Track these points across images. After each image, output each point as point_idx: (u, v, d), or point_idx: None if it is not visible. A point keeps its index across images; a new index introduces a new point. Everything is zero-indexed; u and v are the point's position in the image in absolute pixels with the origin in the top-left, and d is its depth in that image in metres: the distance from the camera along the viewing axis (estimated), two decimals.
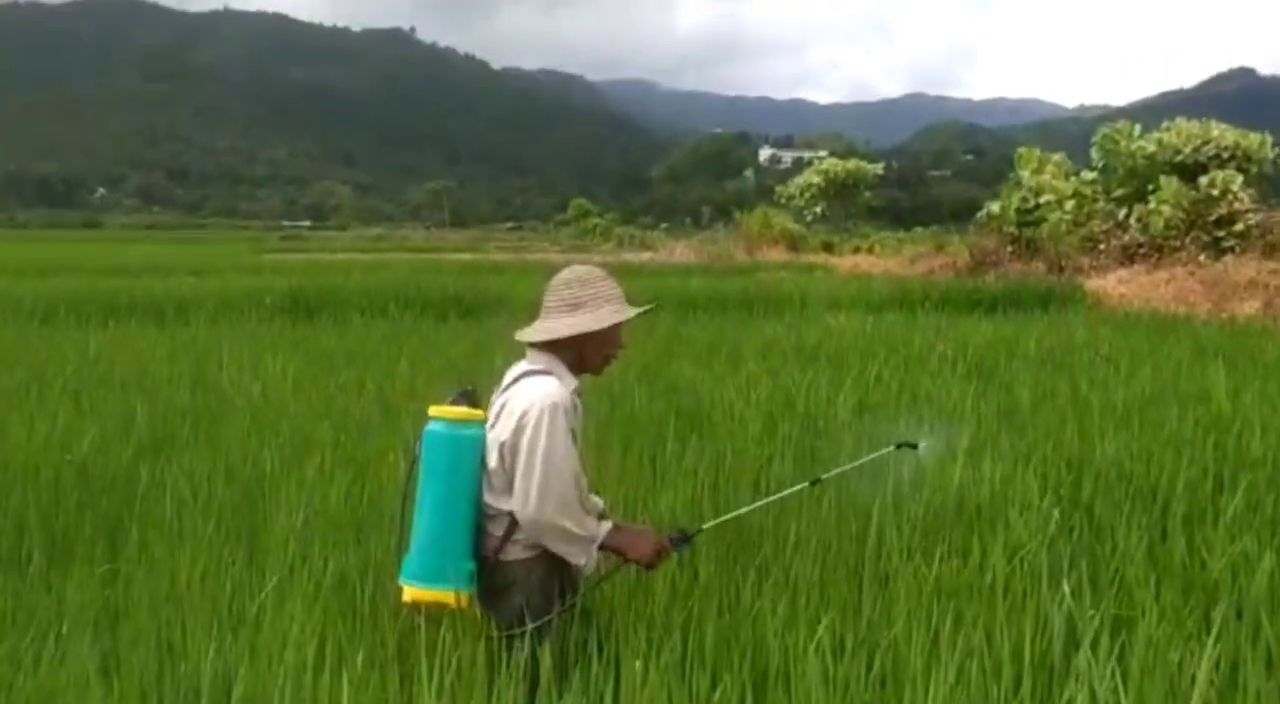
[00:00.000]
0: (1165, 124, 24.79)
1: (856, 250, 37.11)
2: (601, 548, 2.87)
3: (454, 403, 2.83)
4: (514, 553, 2.82)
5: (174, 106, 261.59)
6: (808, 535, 4.15)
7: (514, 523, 2.79)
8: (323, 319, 13.78)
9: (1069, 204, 23.77)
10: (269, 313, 14.26)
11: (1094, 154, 25.31)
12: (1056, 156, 26.08)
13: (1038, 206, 24.21)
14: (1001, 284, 18.09)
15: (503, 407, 2.83)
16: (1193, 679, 2.81)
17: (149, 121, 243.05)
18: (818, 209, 51.60)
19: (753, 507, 3.58)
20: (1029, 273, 21.29)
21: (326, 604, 3.44)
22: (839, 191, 52.17)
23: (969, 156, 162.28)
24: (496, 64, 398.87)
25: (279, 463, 5.34)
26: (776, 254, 36.09)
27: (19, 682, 3.05)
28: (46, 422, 6.21)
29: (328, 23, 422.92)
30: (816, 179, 52.38)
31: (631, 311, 2.91)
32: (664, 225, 79.90)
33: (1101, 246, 22.56)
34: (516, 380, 2.87)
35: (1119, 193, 24.15)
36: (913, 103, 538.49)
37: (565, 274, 2.92)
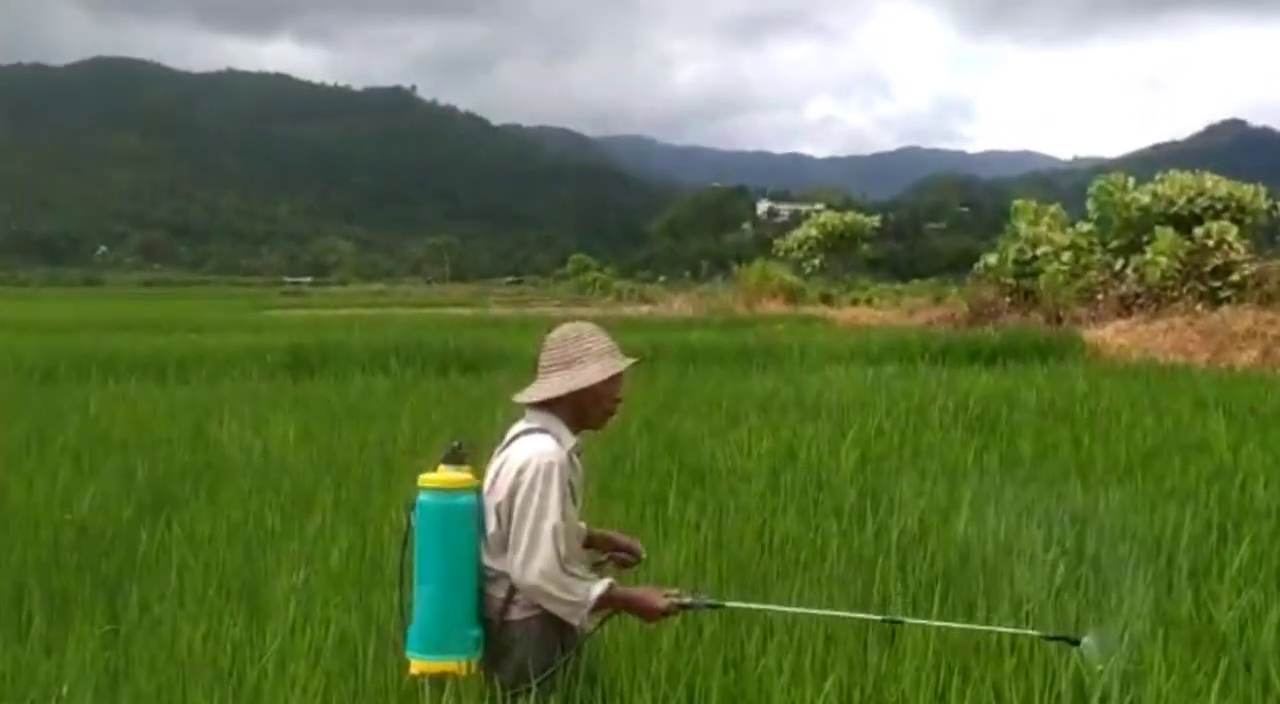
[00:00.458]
0: (1159, 175, 25.05)
1: (855, 302, 37.30)
2: (611, 604, 2.84)
3: (445, 461, 2.81)
4: (516, 613, 2.81)
5: (176, 165, 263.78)
6: (812, 591, 4.13)
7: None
8: (324, 375, 13.77)
9: (1066, 255, 23.93)
10: (270, 370, 14.26)
11: (1089, 205, 25.53)
12: (1052, 208, 26.32)
13: (1035, 258, 24.39)
14: (1000, 335, 18.10)
15: (500, 467, 2.84)
16: None
17: (151, 180, 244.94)
18: (816, 261, 51.94)
19: (800, 611, 3.52)
20: (1027, 323, 21.37)
21: (329, 665, 3.41)
22: (836, 244, 52.55)
23: (965, 208, 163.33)
24: (496, 121, 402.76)
25: (280, 521, 5.32)
26: (775, 306, 36.26)
27: None
28: (46, 480, 6.19)
29: (329, 82, 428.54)
30: (814, 232, 52.81)
31: (624, 363, 2.92)
32: (663, 279, 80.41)
33: (1099, 297, 22.67)
34: (514, 439, 2.88)
35: (1115, 244, 24.33)
36: (908, 156, 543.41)
37: (557, 333, 2.95)
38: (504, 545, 2.78)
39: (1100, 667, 3.06)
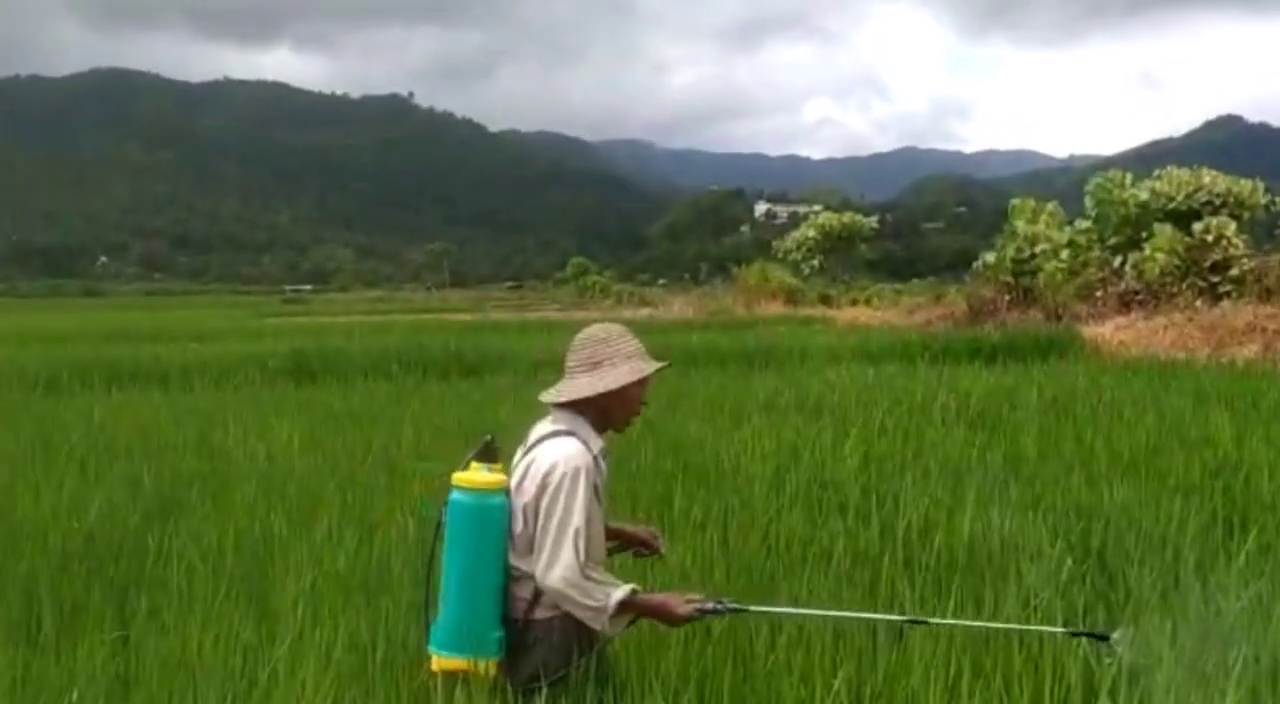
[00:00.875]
0: (1157, 172, 25.06)
1: (854, 303, 37.30)
2: (633, 608, 2.82)
3: (476, 457, 2.81)
4: (539, 613, 2.82)
5: (176, 174, 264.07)
6: (820, 589, 4.14)
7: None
8: (326, 381, 13.79)
9: (1064, 253, 23.93)
10: (272, 376, 14.28)
11: (1087, 203, 25.54)
12: (1050, 206, 26.31)
13: (1033, 256, 24.38)
14: (1000, 333, 18.10)
15: (527, 468, 2.83)
16: None
17: (151, 190, 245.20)
18: (815, 263, 51.98)
19: (824, 613, 3.48)
20: (1027, 322, 21.35)
21: (339, 668, 3.42)
22: (835, 245, 52.61)
23: (962, 208, 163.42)
24: (494, 127, 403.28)
25: (287, 525, 5.33)
26: (775, 308, 36.28)
27: None
28: (53, 489, 6.21)
29: (327, 90, 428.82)
30: (813, 233, 52.86)
31: (652, 366, 2.90)
32: (662, 281, 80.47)
33: (1098, 294, 22.66)
34: (540, 440, 2.86)
35: (1113, 241, 24.35)
36: (905, 157, 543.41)
37: (585, 334, 2.93)
38: (530, 545, 2.79)
39: (1109, 660, 3.06)
